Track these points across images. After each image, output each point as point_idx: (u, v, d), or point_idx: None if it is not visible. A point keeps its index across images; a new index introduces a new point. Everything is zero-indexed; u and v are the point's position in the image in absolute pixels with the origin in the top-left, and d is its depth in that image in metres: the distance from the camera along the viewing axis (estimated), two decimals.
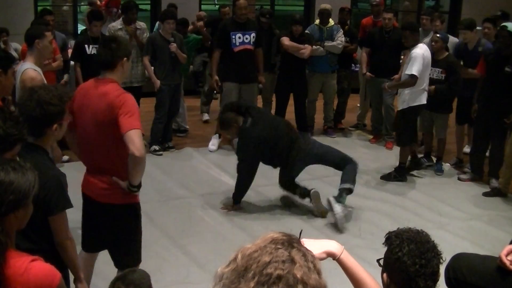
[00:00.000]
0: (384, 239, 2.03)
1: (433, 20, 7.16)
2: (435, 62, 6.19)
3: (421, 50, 5.91)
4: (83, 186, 3.36)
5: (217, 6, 9.13)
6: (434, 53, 6.20)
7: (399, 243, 1.95)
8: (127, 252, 3.35)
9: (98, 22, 6.61)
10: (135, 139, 2.97)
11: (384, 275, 2.00)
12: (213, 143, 7.18)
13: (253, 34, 6.89)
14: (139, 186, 3.20)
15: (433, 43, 6.33)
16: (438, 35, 6.39)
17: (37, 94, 2.63)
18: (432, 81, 6.19)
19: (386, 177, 6.29)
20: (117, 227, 3.29)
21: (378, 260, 2.05)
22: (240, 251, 1.33)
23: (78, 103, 3.23)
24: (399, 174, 6.27)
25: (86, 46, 6.53)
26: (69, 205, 2.67)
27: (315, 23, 7.81)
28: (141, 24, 7.15)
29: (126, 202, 3.25)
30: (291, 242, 1.33)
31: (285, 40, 7.18)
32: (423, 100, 6.04)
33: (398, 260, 1.93)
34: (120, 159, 3.13)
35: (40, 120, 2.62)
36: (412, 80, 5.86)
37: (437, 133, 6.71)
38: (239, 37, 6.84)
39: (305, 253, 1.31)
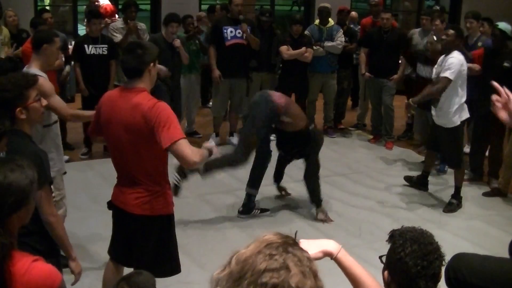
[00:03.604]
0: (388, 236, 2.02)
1: (432, 20, 7.16)
2: (428, 60, 6.32)
3: (459, 57, 5.28)
4: (114, 198, 3.27)
5: (217, 6, 9.17)
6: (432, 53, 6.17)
7: (402, 242, 1.95)
8: (164, 262, 3.28)
9: (97, 20, 6.60)
10: (181, 153, 2.93)
11: (386, 273, 1.99)
12: (210, 141, 7.25)
13: None
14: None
15: (429, 44, 6.31)
16: (434, 37, 6.36)
17: None
18: (422, 79, 6.26)
19: (449, 209, 5.55)
20: (152, 238, 3.21)
21: (380, 257, 2.05)
22: (235, 257, 1.32)
23: (105, 116, 3.14)
24: (459, 200, 5.61)
25: (85, 46, 6.53)
26: (49, 179, 2.71)
27: (315, 23, 7.82)
28: (141, 25, 7.15)
29: (161, 213, 3.18)
30: (286, 246, 1.31)
31: (284, 50, 7.17)
32: (467, 113, 5.47)
33: (400, 260, 1.92)
34: (156, 170, 3.11)
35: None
36: (445, 84, 5.19)
37: None
38: (231, 31, 6.98)
39: (300, 257, 1.30)
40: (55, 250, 2.80)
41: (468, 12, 6.83)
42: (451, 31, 5.35)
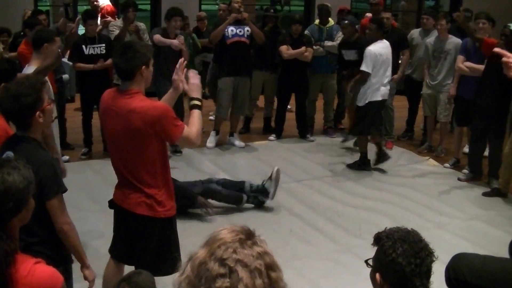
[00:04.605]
0: (373, 239, 2.02)
1: (438, 19, 7.15)
2: (349, 45, 7.00)
3: (375, 48, 6.13)
4: (116, 197, 3.27)
5: (221, 5, 9.16)
6: (348, 37, 6.96)
7: (392, 243, 1.94)
8: (165, 261, 3.26)
9: (93, 21, 6.58)
10: (187, 141, 3.09)
11: (377, 275, 1.98)
12: (211, 140, 7.25)
13: (247, 28, 7.01)
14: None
15: (342, 29, 7.02)
16: (346, 21, 7.06)
17: (10, 90, 2.63)
18: (348, 62, 6.95)
19: (352, 166, 6.59)
20: (154, 238, 3.22)
21: (366, 261, 2.04)
22: (190, 261, 1.40)
23: (102, 119, 3.20)
24: (362, 163, 6.55)
25: (83, 46, 6.50)
26: (63, 188, 2.66)
27: (315, 23, 7.82)
28: (141, 25, 7.14)
29: (162, 216, 3.18)
30: (237, 246, 1.37)
31: (284, 50, 7.19)
32: (378, 96, 6.22)
33: (393, 262, 1.92)
34: (155, 172, 3.11)
35: (20, 113, 2.62)
36: (363, 76, 6.12)
37: None
38: (232, 30, 6.99)
39: (249, 258, 1.34)
40: (68, 258, 2.78)
41: (481, 12, 6.76)
42: (373, 25, 6.28)
